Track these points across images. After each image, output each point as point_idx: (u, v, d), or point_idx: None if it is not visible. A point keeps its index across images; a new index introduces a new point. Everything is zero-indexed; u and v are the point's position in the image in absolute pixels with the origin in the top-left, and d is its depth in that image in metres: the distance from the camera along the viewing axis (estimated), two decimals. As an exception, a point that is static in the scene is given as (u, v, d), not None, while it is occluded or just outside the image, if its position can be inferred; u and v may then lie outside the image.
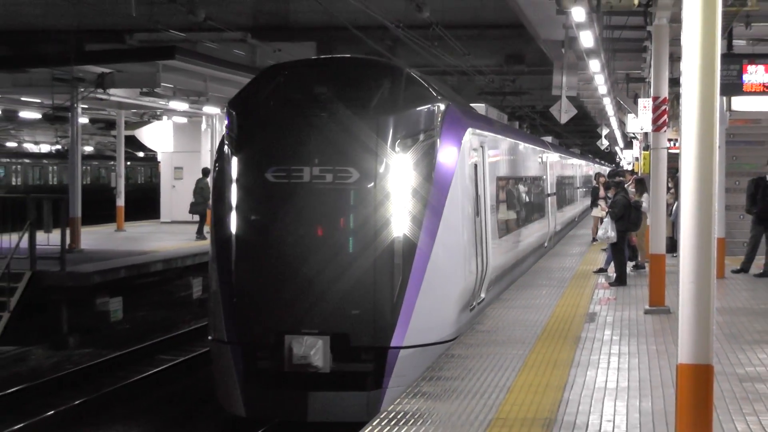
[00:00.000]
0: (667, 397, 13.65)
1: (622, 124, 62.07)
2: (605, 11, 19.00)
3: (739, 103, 27.30)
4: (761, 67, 24.41)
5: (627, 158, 76.00)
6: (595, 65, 31.63)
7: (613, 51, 32.57)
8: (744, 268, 28.07)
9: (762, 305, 23.23)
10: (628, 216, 27.39)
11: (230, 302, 19.02)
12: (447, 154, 20.09)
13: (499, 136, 29.18)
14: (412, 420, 13.12)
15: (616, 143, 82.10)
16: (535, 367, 16.56)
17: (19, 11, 45.17)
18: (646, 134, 35.20)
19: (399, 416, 13.32)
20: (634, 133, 51.18)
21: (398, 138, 19.29)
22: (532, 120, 69.38)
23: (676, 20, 20.97)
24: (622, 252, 27.95)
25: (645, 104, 31.19)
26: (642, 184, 30.77)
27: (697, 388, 9.98)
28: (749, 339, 18.71)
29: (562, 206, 51.36)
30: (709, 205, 9.94)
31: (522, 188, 34.73)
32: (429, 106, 20.20)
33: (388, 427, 12.74)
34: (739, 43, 28.29)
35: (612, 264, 28.42)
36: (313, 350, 17.82)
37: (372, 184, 18.96)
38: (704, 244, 9.96)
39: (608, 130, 76.43)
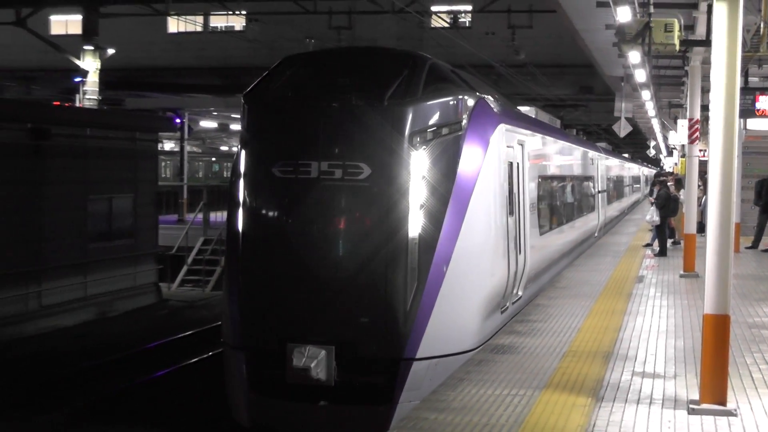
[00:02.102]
0: (695, 338, 13.64)
1: (665, 138, 61.25)
2: (654, 55, 18.85)
3: (753, 124, 27.63)
4: None
5: (668, 163, 74.84)
6: (646, 95, 31.42)
7: (659, 84, 32.19)
8: (754, 245, 27.92)
9: (766, 273, 22.97)
10: (668, 206, 27.58)
11: (237, 304, 13.97)
12: (473, 149, 14.32)
13: (543, 137, 21.97)
14: (509, 351, 13.30)
15: (661, 152, 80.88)
16: (598, 314, 16.54)
17: (231, 54, 45.58)
18: (683, 146, 34.69)
19: (499, 347, 13.54)
20: (674, 145, 50.47)
21: (416, 131, 13.74)
22: (598, 134, 68.57)
23: (706, 62, 20.77)
24: (664, 232, 27.97)
25: (682, 124, 30.73)
26: (679, 183, 31.11)
27: (717, 332, 10.05)
28: (756, 297, 18.53)
29: (611, 201, 43.23)
30: (729, 198, 10.02)
31: (569, 186, 27.16)
32: (453, 98, 14.44)
33: (492, 356, 12.97)
34: (753, 79, 28.01)
35: (656, 240, 28.30)
36: (315, 361, 13.01)
37: (386, 180, 13.58)
38: (725, 227, 10.04)
39: (655, 142, 75.54)
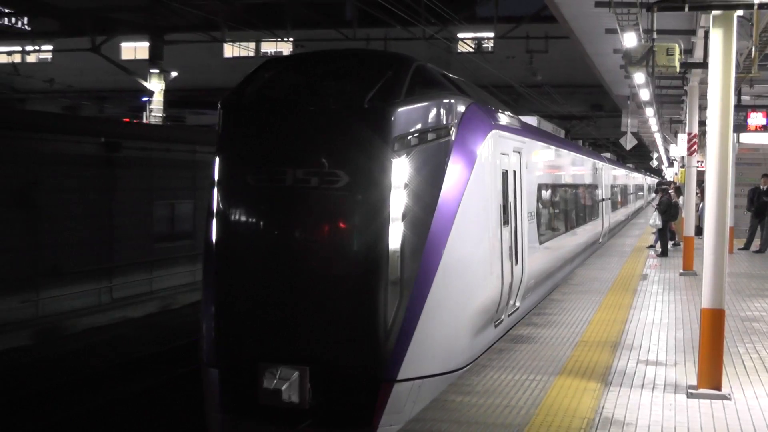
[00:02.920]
0: (693, 330, 13.58)
1: (666, 150, 61.10)
2: (657, 76, 18.83)
3: (745, 138, 27.53)
4: (760, 114, 24.83)
5: (670, 173, 74.57)
6: (649, 112, 31.42)
7: (661, 102, 32.11)
8: (746, 247, 27.78)
9: (757, 271, 22.82)
10: (669, 211, 27.48)
11: (210, 319, 11.71)
12: (462, 156, 12.01)
13: (544, 145, 19.42)
14: (527, 341, 13.27)
15: (663, 163, 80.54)
16: (607, 308, 16.47)
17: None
18: (682, 157, 34.56)
19: (518, 337, 13.47)
20: (674, 157, 50.28)
21: (399, 136, 11.35)
22: (606, 147, 68.37)
23: (703, 82, 20.65)
24: (665, 234, 27.84)
25: (682, 137, 30.61)
26: (679, 191, 31.16)
27: (713, 324, 10.05)
28: (749, 293, 18.41)
29: (615, 209, 40.01)
30: (724, 204, 10.02)
31: (571, 194, 24.26)
32: (440, 102, 11.92)
33: (512, 345, 12.92)
34: (746, 98, 27.93)
35: (659, 242, 28.20)
36: (287, 383, 10.82)
37: (366, 188, 11.26)
38: (720, 230, 10.03)
39: (657, 154, 75.34)
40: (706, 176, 10.15)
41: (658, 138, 49.58)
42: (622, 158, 74.38)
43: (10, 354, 22.22)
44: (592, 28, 21.96)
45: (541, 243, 17.51)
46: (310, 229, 11.34)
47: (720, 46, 9.96)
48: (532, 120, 20.46)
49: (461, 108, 12.18)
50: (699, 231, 23.95)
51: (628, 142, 41.81)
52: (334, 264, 11.08)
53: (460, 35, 39.73)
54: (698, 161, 25.62)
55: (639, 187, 71.73)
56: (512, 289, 13.95)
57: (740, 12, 10.11)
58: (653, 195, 61.69)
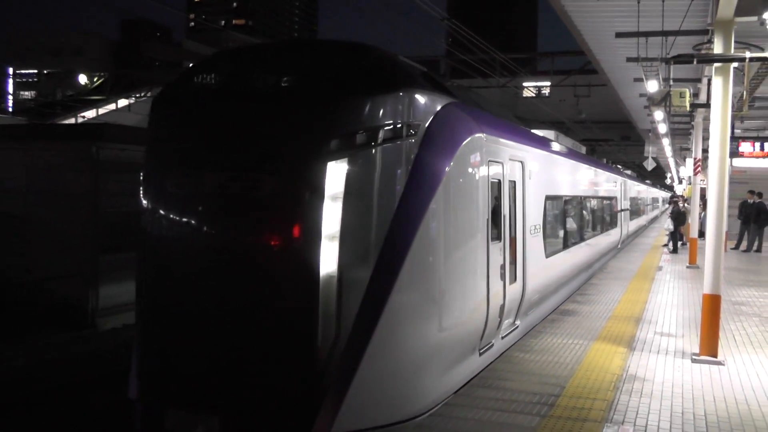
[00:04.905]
0: (696, 310, 13.43)
1: (677, 171, 59.96)
2: (672, 114, 18.65)
3: (737, 162, 27.10)
4: (748, 143, 24.62)
5: (680, 189, 73.03)
6: (665, 141, 30.84)
7: (674, 134, 31.58)
8: (736, 247, 27.18)
9: (744, 266, 22.25)
10: (679, 218, 27.10)
11: (135, 346, 7.75)
12: (430, 161, 7.64)
13: (554, 156, 14.41)
14: (572, 314, 13.24)
15: (674, 180, 78.96)
16: (631, 291, 16.33)
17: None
18: (689, 176, 33.91)
19: (565, 311, 13.44)
20: (683, 176, 49.37)
21: (339, 134, 7.20)
22: (632, 168, 67.29)
23: (706, 119, 20.46)
24: (676, 236, 27.41)
25: (689, 161, 30.13)
26: (686, 202, 30.52)
27: (712, 306, 10.05)
28: (738, 283, 18.00)
29: (633, 218, 34.25)
30: (721, 214, 10.07)
31: (587, 206, 19.06)
32: (402, 96, 7.48)
33: (560, 317, 12.90)
34: (737, 131, 27.50)
35: (671, 242, 27.77)
36: None
37: (295, 198, 7.14)
38: (718, 233, 10.05)
39: (670, 174, 73.91)
40: (708, 191, 10.17)
41: (671, 161, 48.69)
42: (643, 177, 73.06)
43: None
44: (623, 77, 21.92)
45: (548, 256, 12.92)
46: (227, 249, 7.21)
47: (720, 91, 9.98)
48: (548, 133, 16.50)
49: (433, 105, 7.82)
50: (701, 234, 23.63)
51: (649, 165, 41.37)
52: (254, 294, 7.06)
53: (525, 84, 39.63)
54: (701, 180, 25.23)
55: (655, 199, 70.05)
56: (506, 309, 9.85)
57: (735, 64, 10.08)
58: (667, 206, 60.58)
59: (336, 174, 7.07)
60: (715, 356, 9.99)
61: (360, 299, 6.98)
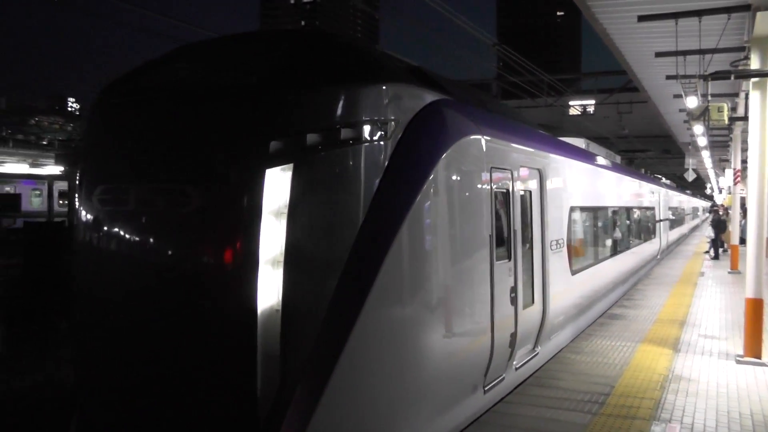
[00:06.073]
0: (739, 313, 13.04)
1: (717, 182, 58.78)
2: (711, 127, 18.28)
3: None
4: None
5: (719, 198, 71.53)
6: (705, 154, 30.20)
7: (713, 146, 30.96)
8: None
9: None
10: (720, 226, 26.54)
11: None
12: (407, 167, 5.53)
13: (581, 165, 11.99)
14: (620, 318, 13.02)
15: (714, 190, 77.42)
16: (675, 296, 15.99)
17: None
18: (729, 186, 33.22)
19: (613, 315, 13.21)
20: (723, 186, 48.36)
21: (284, 135, 5.15)
22: (674, 180, 66.07)
23: (744, 131, 19.98)
24: (717, 243, 26.82)
25: (729, 172, 29.50)
26: (727, 210, 29.85)
27: (755, 309, 9.84)
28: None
29: (672, 227, 31.18)
30: (762, 221, 9.84)
31: (620, 217, 16.36)
32: (371, 88, 5.41)
33: (609, 321, 12.71)
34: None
35: (712, 249, 27.16)
36: None
37: (224, 214, 5.17)
38: (759, 240, 9.88)
39: (710, 184, 72.47)
40: (747, 200, 9.95)
41: (711, 172, 47.74)
42: (682, 187, 71.70)
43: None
44: (663, 94, 21.58)
45: (575, 273, 10.78)
46: (148, 274, 5.56)
47: (758, 104, 9.81)
48: (578, 141, 14.57)
49: (415, 101, 5.95)
50: (742, 240, 23.02)
51: (690, 176, 40.60)
52: (181, 332, 5.36)
53: (571, 103, 39.28)
54: (741, 189, 24.62)
55: (695, 209, 68.43)
56: (520, 337, 7.93)
57: (772, 77, 9.89)
58: (707, 215, 59.28)
59: (277, 184, 5.23)
60: (759, 357, 9.72)
61: (314, 335, 5.10)
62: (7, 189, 32.70)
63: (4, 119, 46.48)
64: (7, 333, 11.86)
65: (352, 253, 5.23)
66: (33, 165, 36.26)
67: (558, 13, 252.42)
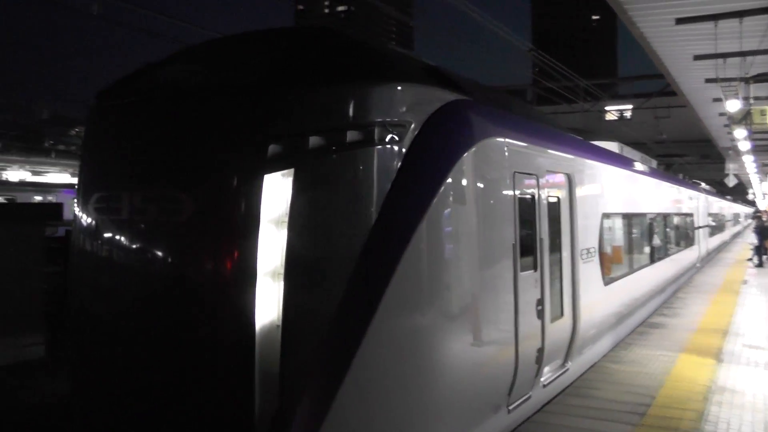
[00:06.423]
0: (785, 321, 12.87)
1: (760, 186, 57.80)
2: (753, 131, 17.93)
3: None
4: None
5: (763, 204, 70.29)
6: (747, 158, 29.64)
7: (756, 150, 30.43)
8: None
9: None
10: (764, 232, 25.92)
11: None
12: (420, 171, 5.10)
13: (615, 169, 11.38)
14: (659, 327, 12.73)
15: (756, 196, 76.17)
16: (716, 304, 15.63)
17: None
18: (773, 192, 32.72)
19: (653, 324, 12.93)
20: (767, 191, 47.53)
21: (282, 136, 4.80)
22: (714, 185, 65.22)
23: (790, 137, 19.66)
24: (761, 250, 26.23)
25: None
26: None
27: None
28: (828, 295, 17.21)
29: (712, 235, 29.94)
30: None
31: (656, 224, 15.30)
32: (379, 88, 5.01)
33: (648, 330, 12.43)
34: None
35: (755, 256, 26.59)
36: None
37: (218, 222, 4.84)
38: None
39: (752, 189, 71.25)
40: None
41: (753, 177, 46.86)
42: (722, 193, 70.57)
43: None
44: (702, 98, 21.25)
45: (608, 283, 10.18)
46: (142, 287, 5.30)
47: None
48: (611, 144, 13.83)
49: (429, 102, 5.52)
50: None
51: (731, 182, 39.89)
52: (176, 348, 5.08)
53: (607, 108, 38.91)
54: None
55: (737, 215, 67.12)
56: (547, 352, 7.41)
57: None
58: (750, 221, 58.19)
59: (277, 190, 4.88)
60: (806, 368, 9.41)
61: (316, 353, 4.76)
62: (50, 198, 33.41)
63: (46, 130, 47.44)
64: (51, 339, 12.07)
65: (358, 265, 4.86)
66: (74, 175, 36.96)
67: (593, 17, 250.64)
